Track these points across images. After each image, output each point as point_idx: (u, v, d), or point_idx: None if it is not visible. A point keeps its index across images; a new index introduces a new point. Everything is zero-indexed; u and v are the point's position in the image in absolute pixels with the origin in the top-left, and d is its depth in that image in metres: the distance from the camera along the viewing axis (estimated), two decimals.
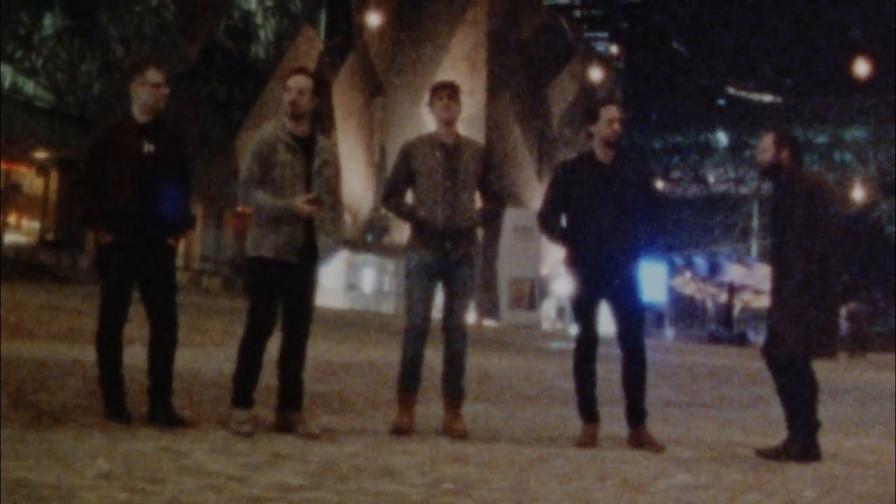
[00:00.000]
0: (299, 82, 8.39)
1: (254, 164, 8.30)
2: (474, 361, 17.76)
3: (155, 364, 8.28)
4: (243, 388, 8.21)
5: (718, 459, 8.47)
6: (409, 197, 9.15)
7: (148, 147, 8.22)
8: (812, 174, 8.97)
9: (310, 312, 8.46)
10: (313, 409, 9.27)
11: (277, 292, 8.28)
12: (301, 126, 8.38)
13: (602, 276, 8.85)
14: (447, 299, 9.03)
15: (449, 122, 9.03)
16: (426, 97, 9.43)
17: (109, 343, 8.26)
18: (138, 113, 8.32)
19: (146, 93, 8.27)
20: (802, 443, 8.59)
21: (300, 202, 8.18)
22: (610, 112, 9.03)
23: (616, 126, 8.97)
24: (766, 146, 8.94)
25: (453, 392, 9.02)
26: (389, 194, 9.15)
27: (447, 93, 9.02)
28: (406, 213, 9.02)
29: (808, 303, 8.57)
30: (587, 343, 8.98)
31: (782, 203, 8.82)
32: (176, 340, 8.39)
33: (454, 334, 8.98)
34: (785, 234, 8.74)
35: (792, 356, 8.67)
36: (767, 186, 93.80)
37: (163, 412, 8.15)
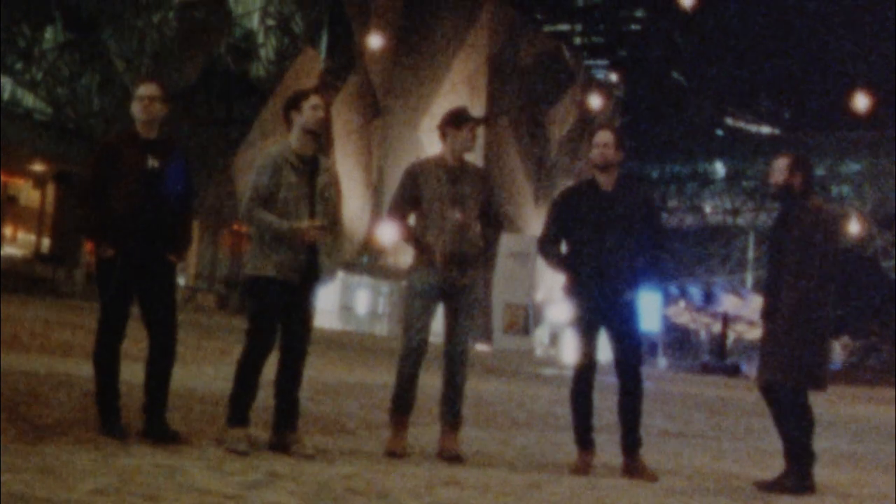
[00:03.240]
0: (320, 101, 8.44)
1: (259, 182, 8.30)
2: (468, 385, 17.75)
3: (152, 380, 8.27)
4: (240, 407, 8.19)
5: (713, 490, 8.46)
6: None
7: (152, 162, 8.23)
8: (819, 204, 8.91)
9: (308, 333, 8.45)
10: (308, 429, 9.26)
11: (277, 312, 8.27)
12: (309, 145, 8.41)
13: (601, 304, 8.83)
14: (449, 324, 8.99)
15: (462, 154, 9.09)
16: (427, 121, 9.45)
17: (107, 358, 8.25)
18: (142, 129, 8.34)
19: (137, 107, 8.30)
20: (797, 475, 8.58)
21: (306, 227, 8.18)
22: (598, 137, 9.08)
23: (601, 150, 8.96)
24: (779, 167, 8.90)
25: (451, 417, 9.00)
26: (393, 217, 9.13)
27: (472, 125, 9.08)
28: (411, 238, 9.01)
29: (797, 334, 8.55)
30: (585, 371, 8.95)
31: (784, 227, 8.81)
32: (174, 357, 8.38)
33: (456, 359, 8.96)
34: (781, 262, 8.73)
35: (779, 386, 8.65)
36: (764, 218, 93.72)
37: (158, 428, 8.14)
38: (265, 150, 8.62)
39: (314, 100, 8.45)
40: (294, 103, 8.48)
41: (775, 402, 8.77)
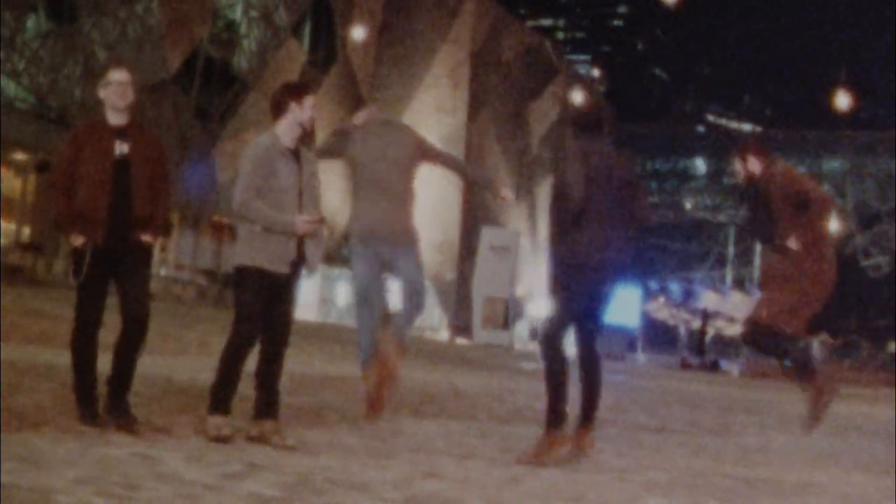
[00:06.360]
0: (313, 101, 8.51)
1: (253, 173, 8.28)
2: (447, 378, 17.76)
3: (121, 357, 8.16)
4: (221, 396, 8.18)
5: (691, 485, 8.48)
6: None
7: (121, 148, 8.22)
8: (782, 167, 9.12)
9: (290, 324, 8.46)
10: (288, 421, 9.25)
11: (263, 303, 8.26)
12: (296, 138, 8.44)
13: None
14: None
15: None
16: (409, 115, 9.50)
17: (84, 347, 8.23)
18: (111, 115, 8.34)
19: (111, 91, 8.30)
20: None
21: (301, 221, 8.21)
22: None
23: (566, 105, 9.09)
24: (737, 165, 9.15)
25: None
26: None
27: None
28: None
29: (802, 279, 8.71)
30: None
31: (766, 199, 8.95)
32: (144, 337, 8.30)
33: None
34: (777, 223, 8.85)
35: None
36: (744, 214, 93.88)
37: (119, 409, 8.09)
38: (255, 141, 8.60)
39: (307, 100, 8.50)
40: (297, 95, 8.49)
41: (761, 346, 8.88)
